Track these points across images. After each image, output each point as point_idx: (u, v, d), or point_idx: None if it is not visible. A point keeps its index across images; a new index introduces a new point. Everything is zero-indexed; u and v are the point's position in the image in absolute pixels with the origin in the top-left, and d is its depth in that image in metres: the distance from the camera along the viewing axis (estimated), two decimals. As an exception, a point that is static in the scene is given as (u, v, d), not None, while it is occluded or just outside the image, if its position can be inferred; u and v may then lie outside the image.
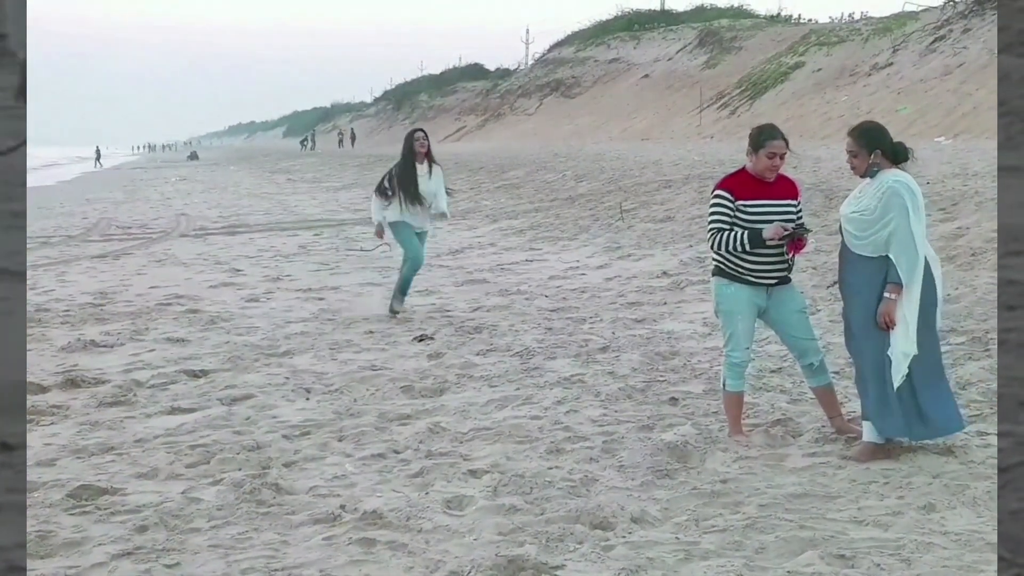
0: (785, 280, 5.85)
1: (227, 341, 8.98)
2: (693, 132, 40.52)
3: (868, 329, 5.42)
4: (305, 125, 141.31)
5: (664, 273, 11.93)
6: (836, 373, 6.96)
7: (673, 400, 6.71)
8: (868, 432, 5.46)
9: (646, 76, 60.02)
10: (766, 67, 46.33)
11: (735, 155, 5.77)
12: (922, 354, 5.34)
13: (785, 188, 5.85)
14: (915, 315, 5.30)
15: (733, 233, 5.69)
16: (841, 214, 5.61)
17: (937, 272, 5.44)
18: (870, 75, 37.27)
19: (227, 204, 27.41)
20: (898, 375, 5.30)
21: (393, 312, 10.05)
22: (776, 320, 5.92)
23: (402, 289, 10.22)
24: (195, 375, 7.75)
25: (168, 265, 14.55)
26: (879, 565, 4.07)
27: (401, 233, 10.19)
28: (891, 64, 37.12)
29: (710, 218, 5.82)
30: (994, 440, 5.59)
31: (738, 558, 4.21)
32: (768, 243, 5.67)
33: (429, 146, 10.15)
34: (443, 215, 10.40)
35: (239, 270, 13.85)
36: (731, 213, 5.73)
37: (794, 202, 5.84)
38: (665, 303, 10.23)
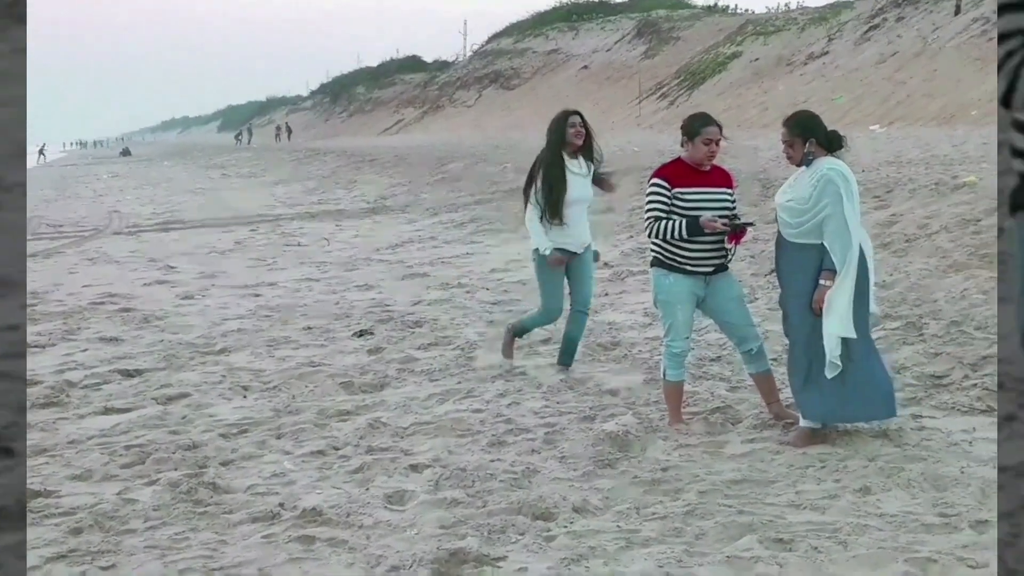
0: (723, 268, 5.89)
1: (162, 340, 8.84)
2: (632, 123, 40.72)
3: (804, 316, 5.47)
4: (240, 119, 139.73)
5: (605, 264, 11.93)
6: (774, 360, 7.02)
7: (614, 391, 6.73)
8: (808, 416, 5.51)
9: (585, 67, 60.23)
10: (704, 57, 46.74)
11: (675, 146, 5.83)
12: (857, 339, 5.39)
13: (720, 177, 5.89)
14: (850, 300, 5.36)
15: (670, 222, 5.71)
16: (776, 203, 5.66)
17: (869, 256, 5.51)
18: (806, 64, 37.76)
19: (160, 200, 27.02)
20: (832, 360, 5.35)
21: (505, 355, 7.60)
22: (714, 308, 5.95)
23: (518, 331, 7.64)
24: (129, 374, 7.62)
25: (100, 263, 14.30)
26: (816, 548, 4.11)
27: (544, 269, 7.17)
28: (827, 53, 37.64)
29: (647, 207, 5.83)
30: (928, 423, 5.69)
31: (678, 544, 4.24)
32: (706, 232, 5.69)
33: (588, 134, 7.10)
34: (595, 253, 7.36)
35: (173, 267, 13.65)
36: (668, 201, 5.75)
37: (729, 191, 5.88)
38: (606, 294, 10.26)
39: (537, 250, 7.11)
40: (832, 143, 5.53)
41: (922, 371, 6.61)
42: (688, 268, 5.79)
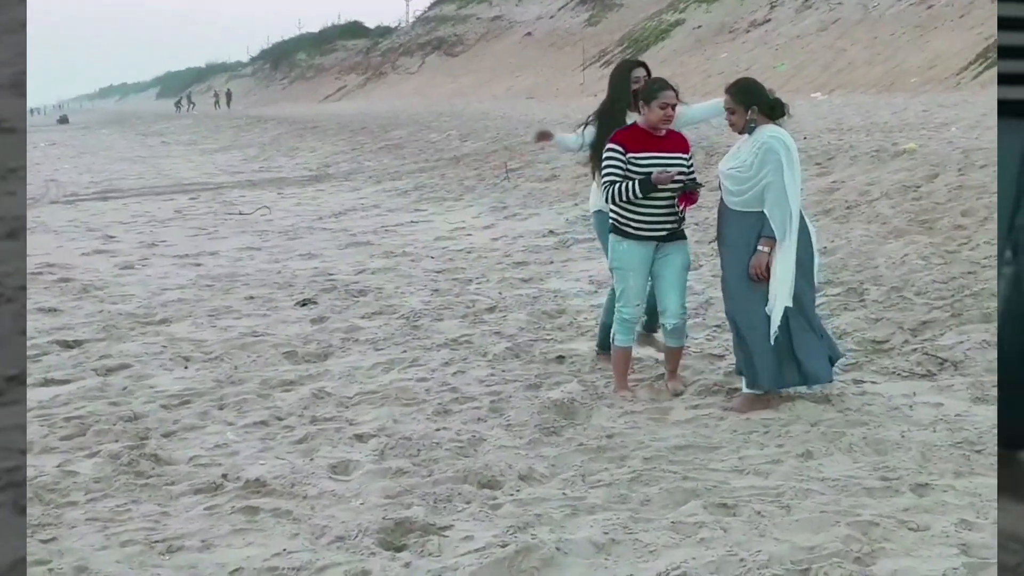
0: (677, 234, 5.86)
1: (101, 310, 8.69)
2: (576, 90, 40.69)
3: (745, 284, 5.50)
4: (179, 86, 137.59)
5: (550, 232, 11.96)
6: (718, 326, 7.09)
7: (560, 358, 6.73)
8: (747, 383, 5.56)
9: (529, 34, 60.05)
10: (647, 24, 46.81)
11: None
12: (799, 307, 5.44)
13: (676, 142, 5.86)
14: (791, 268, 5.39)
15: (624, 183, 5.69)
16: (719, 170, 5.67)
17: (811, 226, 5.55)
18: (749, 32, 37.98)
19: (99, 169, 26.53)
20: (774, 327, 5.40)
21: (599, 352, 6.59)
22: (656, 272, 5.90)
23: (605, 334, 6.41)
24: (68, 345, 7.48)
25: (38, 233, 13.98)
26: (760, 512, 4.15)
27: (607, 231, 6.05)
28: (769, 21, 37.87)
29: (603, 172, 5.80)
30: (869, 387, 5.77)
31: (624, 511, 4.26)
32: (659, 188, 5.65)
33: None
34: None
35: (112, 237, 13.42)
36: (623, 166, 5.72)
37: (685, 155, 5.85)
38: (551, 262, 10.27)
39: (597, 212, 6.37)
40: (775, 111, 5.54)
41: (863, 336, 6.70)
42: (642, 234, 5.76)
